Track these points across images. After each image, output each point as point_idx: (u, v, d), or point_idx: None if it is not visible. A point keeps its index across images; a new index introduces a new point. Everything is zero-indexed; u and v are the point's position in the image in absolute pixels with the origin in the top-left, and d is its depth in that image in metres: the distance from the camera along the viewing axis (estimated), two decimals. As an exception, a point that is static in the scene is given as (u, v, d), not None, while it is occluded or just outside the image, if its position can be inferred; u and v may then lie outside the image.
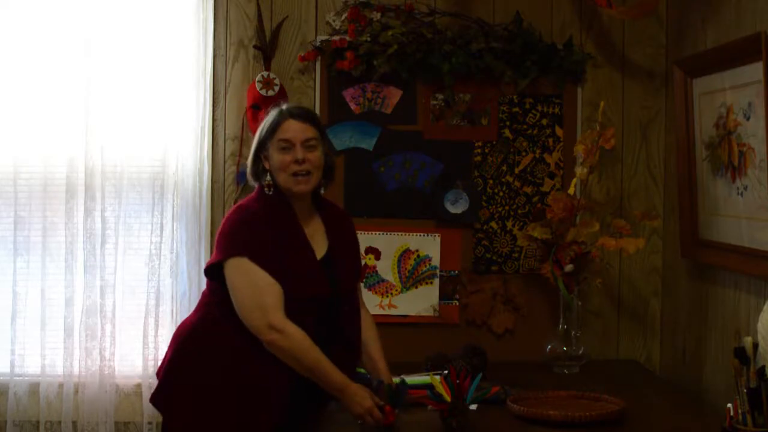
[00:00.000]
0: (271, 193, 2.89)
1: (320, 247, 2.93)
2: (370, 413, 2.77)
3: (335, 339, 2.90)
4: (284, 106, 2.96)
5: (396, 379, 3.17)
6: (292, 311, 2.79)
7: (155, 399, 2.96)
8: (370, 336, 3.06)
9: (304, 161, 2.85)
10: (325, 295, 2.85)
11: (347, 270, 2.99)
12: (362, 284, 3.13)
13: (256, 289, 2.77)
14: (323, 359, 2.77)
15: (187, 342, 2.89)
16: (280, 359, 2.79)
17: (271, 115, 2.93)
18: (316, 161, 2.88)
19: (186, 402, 2.83)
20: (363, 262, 3.30)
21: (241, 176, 3.66)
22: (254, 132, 3.60)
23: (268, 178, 2.89)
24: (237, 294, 2.79)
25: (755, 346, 2.51)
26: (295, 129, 2.87)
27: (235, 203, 3.61)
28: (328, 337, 2.88)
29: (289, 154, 2.85)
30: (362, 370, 3.24)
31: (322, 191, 3.03)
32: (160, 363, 3.08)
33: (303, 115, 2.91)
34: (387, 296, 3.79)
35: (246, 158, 3.49)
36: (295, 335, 2.76)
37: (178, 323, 3.18)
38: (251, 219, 2.84)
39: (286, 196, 2.90)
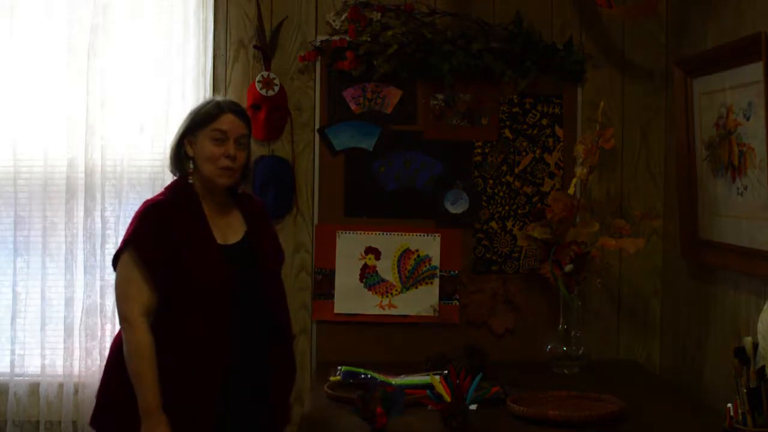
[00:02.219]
0: (191, 182, 2.94)
1: (238, 233, 2.97)
2: None
3: (262, 323, 2.92)
4: (220, 99, 3.00)
5: (396, 380, 3.18)
6: (203, 299, 2.80)
7: (95, 422, 2.94)
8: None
9: (235, 158, 2.91)
10: (229, 279, 2.84)
11: (268, 251, 3.04)
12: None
13: (128, 281, 2.80)
14: (151, 374, 2.75)
15: (119, 358, 2.84)
16: (206, 359, 2.79)
17: (207, 105, 2.96)
18: (243, 160, 2.95)
19: (126, 421, 2.79)
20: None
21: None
22: (254, 132, 3.62)
23: (191, 166, 2.93)
24: (115, 284, 2.87)
25: (755, 346, 2.51)
26: (232, 123, 2.91)
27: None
28: (254, 322, 2.89)
29: (222, 147, 2.89)
30: (362, 370, 3.25)
31: (240, 190, 3.09)
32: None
33: (241, 112, 2.97)
34: (387, 296, 3.79)
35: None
36: (140, 333, 2.76)
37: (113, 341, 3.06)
38: (149, 212, 2.87)
39: (196, 187, 2.93)
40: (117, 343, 2.91)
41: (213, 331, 2.81)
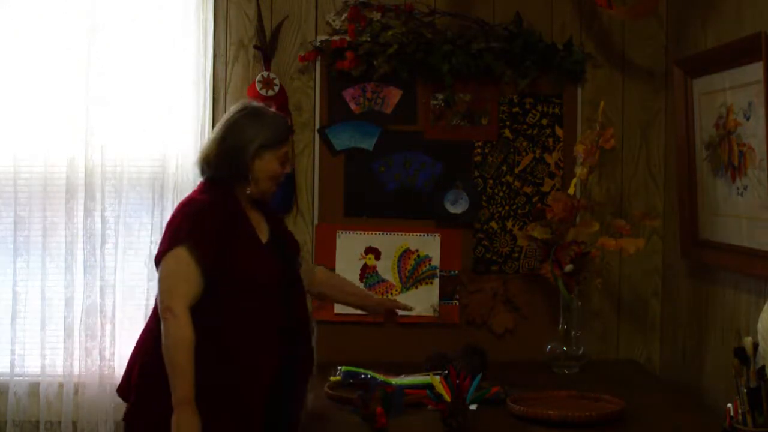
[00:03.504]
0: (248, 192, 2.95)
1: (264, 233, 3.02)
2: None
3: (293, 320, 2.97)
4: (278, 116, 3.02)
5: (396, 380, 3.18)
6: (254, 295, 2.85)
7: (129, 419, 2.92)
8: (337, 277, 3.44)
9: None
10: (277, 275, 2.92)
11: (291, 250, 3.12)
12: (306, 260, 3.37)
13: (175, 276, 2.81)
14: (189, 366, 2.74)
15: (154, 355, 2.83)
16: (259, 354, 2.84)
17: (277, 123, 2.99)
18: None
19: (162, 418, 2.77)
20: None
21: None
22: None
23: (249, 178, 2.94)
24: (159, 278, 2.85)
25: (755, 346, 2.51)
26: (292, 143, 3.03)
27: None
28: (294, 319, 2.96)
29: (284, 167, 2.99)
30: (362, 370, 3.25)
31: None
32: (120, 380, 3.01)
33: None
34: (387, 296, 3.78)
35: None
36: (184, 326, 2.76)
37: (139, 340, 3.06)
38: (198, 210, 2.88)
39: (236, 191, 2.95)
40: (146, 344, 2.91)
41: (267, 327, 2.88)
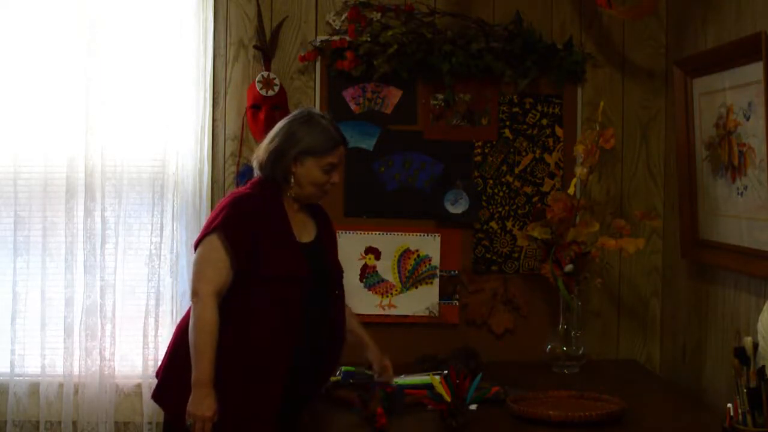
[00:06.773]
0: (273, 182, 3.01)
1: (309, 234, 3.07)
2: (203, 421, 2.81)
3: (323, 323, 3.01)
4: (331, 127, 3.02)
5: (396, 380, 3.18)
6: (277, 289, 2.91)
7: (157, 395, 3.05)
8: (353, 322, 3.22)
9: (335, 182, 3.04)
10: (303, 274, 2.95)
11: (335, 254, 3.16)
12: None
13: (206, 261, 2.93)
14: (209, 348, 2.85)
15: (183, 338, 2.94)
16: (275, 349, 2.89)
17: (325, 133, 2.99)
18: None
19: (186, 397, 2.87)
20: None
21: (241, 176, 3.66)
22: (254, 132, 3.64)
23: (292, 181, 3.00)
24: (195, 261, 2.98)
25: (755, 346, 2.51)
26: (341, 155, 3.04)
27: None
28: (316, 319, 2.98)
29: (329, 175, 3.01)
30: (367, 372, 3.25)
31: None
32: (160, 362, 3.13)
33: (346, 141, 3.06)
34: (387, 296, 3.79)
35: (246, 158, 3.49)
36: (207, 309, 2.87)
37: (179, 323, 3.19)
38: (237, 202, 2.98)
39: (282, 189, 3.02)
40: (182, 326, 3.01)
41: (285, 318, 2.91)
